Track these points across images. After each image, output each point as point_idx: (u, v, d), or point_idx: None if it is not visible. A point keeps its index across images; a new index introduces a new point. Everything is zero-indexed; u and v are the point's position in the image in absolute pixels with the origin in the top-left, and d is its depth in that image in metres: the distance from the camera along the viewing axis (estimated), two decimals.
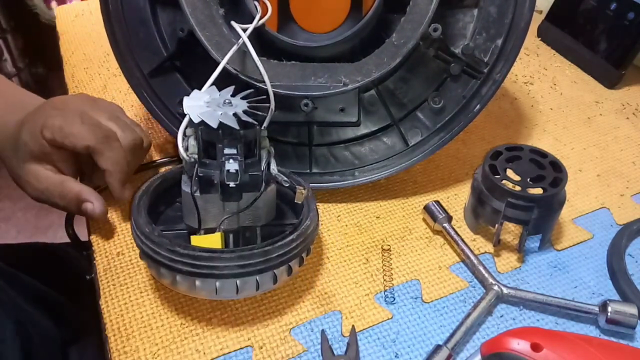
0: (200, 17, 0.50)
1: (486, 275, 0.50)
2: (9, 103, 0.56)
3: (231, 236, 0.48)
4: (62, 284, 0.69)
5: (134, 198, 0.47)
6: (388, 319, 0.48)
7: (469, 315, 0.46)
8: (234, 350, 0.45)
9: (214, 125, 0.42)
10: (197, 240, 0.44)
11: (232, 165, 0.43)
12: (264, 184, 0.45)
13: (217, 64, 0.48)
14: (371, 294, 0.49)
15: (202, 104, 0.44)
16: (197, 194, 0.45)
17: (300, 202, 0.47)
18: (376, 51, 0.51)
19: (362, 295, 0.49)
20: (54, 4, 1.65)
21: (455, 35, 0.55)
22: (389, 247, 0.54)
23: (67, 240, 0.57)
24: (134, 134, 0.54)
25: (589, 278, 0.52)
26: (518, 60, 0.57)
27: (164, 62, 0.57)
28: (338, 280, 0.51)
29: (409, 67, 0.57)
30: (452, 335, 0.45)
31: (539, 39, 0.88)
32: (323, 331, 0.46)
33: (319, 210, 0.52)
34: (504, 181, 0.50)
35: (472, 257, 0.51)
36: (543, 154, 0.53)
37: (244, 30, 0.48)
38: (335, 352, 0.45)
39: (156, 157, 0.63)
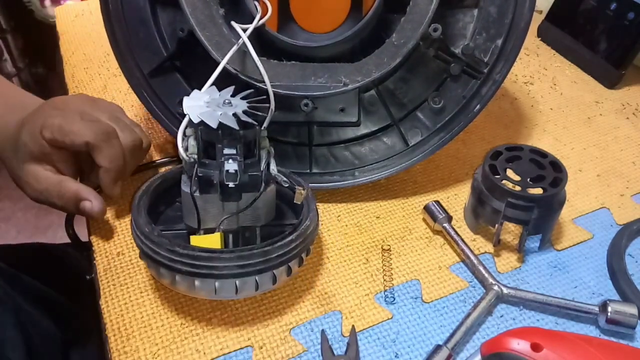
0: (200, 17, 0.50)
1: (486, 275, 0.50)
2: (9, 104, 0.56)
3: (231, 236, 0.48)
4: (62, 284, 0.69)
5: (134, 198, 0.47)
6: (388, 319, 0.48)
7: (469, 315, 0.46)
8: (234, 350, 0.45)
9: (214, 125, 0.42)
10: (196, 240, 0.44)
11: (231, 166, 0.43)
12: (263, 184, 0.45)
13: (217, 64, 0.48)
14: (371, 294, 0.49)
15: (202, 104, 0.44)
16: (197, 194, 0.45)
17: (299, 203, 0.47)
18: (376, 51, 0.51)
19: (362, 295, 0.49)
20: (47, 3, 1.65)
21: (455, 35, 0.55)
22: (389, 247, 0.54)
23: (67, 240, 0.57)
24: (134, 135, 0.54)
25: (589, 278, 0.52)
26: (518, 60, 0.57)
27: (164, 62, 0.57)
28: (338, 280, 0.51)
29: (409, 67, 0.57)
30: (452, 335, 0.45)
31: (539, 39, 0.88)
32: (323, 331, 0.46)
33: (319, 210, 0.52)
34: (504, 181, 0.50)
35: (472, 257, 0.51)
36: (543, 154, 0.53)
37: (244, 30, 0.48)
38: (335, 352, 0.45)
39: (156, 157, 0.63)
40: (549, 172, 0.51)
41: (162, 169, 0.61)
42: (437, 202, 0.56)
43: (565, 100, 0.75)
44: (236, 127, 0.42)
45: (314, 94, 0.52)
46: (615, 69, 0.76)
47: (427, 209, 0.55)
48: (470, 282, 0.51)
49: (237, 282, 0.43)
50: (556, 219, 0.53)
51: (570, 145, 0.68)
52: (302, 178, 0.50)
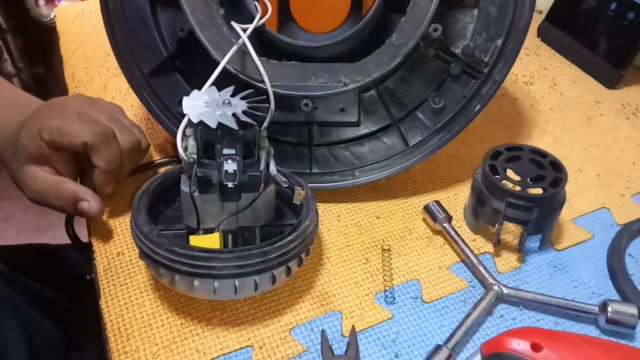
0: (200, 17, 0.50)
1: (486, 275, 0.50)
2: (9, 105, 0.56)
3: (230, 236, 0.48)
4: (63, 285, 0.69)
5: (134, 198, 0.47)
6: (388, 319, 0.48)
7: (469, 315, 0.46)
8: (234, 350, 0.45)
9: (213, 125, 0.42)
10: (195, 240, 0.44)
11: (230, 166, 0.43)
12: (262, 184, 0.45)
13: (217, 64, 0.48)
14: (371, 294, 0.49)
15: (202, 104, 0.44)
16: (196, 194, 0.45)
17: (298, 203, 0.47)
18: (376, 51, 0.51)
19: (362, 295, 0.49)
20: (41, 2, 1.65)
21: (455, 35, 0.55)
22: (389, 247, 0.54)
23: (67, 240, 0.57)
24: (133, 137, 0.54)
25: (589, 278, 0.52)
26: (518, 60, 0.57)
27: (164, 62, 0.57)
28: (338, 280, 0.51)
29: (409, 67, 0.57)
30: (452, 335, 0.45)
31: (539, 39, 0.88)
32: (323, 331, 0.46)
33: (319, 210, 0.52)
34: (504, 181, 0.50)
35: (472, 257, 0.51)
36: (543, 154, 0.53)
37: (244, 30, 0.48)
38: (335, 352, 0.45)
39: (156, 157, 0.63)
40: (549, 172, 0.51)
41: (162, 169, 0.61)
42: (437, 202, 0.55)
43: (565, 100, 0.75)
44: (235, 127, 0.42)
45: (314, 94, 0.52)
46: (615, 69, 0.76)
47: (427, 209, 0.55)
48: (470, 282, 0.51)
49: (236, 282, 0.43)
50: (556, 219, 0.53)
51: (570, 145, 0.68)
52: (302, 178, 0.50)
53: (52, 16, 1.64)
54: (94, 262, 0.52)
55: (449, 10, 0.55)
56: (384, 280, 0.51)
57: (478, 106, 0.55)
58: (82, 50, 0.81)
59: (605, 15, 0.76)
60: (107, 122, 0.52)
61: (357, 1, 0.57)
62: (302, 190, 0.46)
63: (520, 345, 0.41)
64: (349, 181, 0.58)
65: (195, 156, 0.45)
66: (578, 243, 0.55)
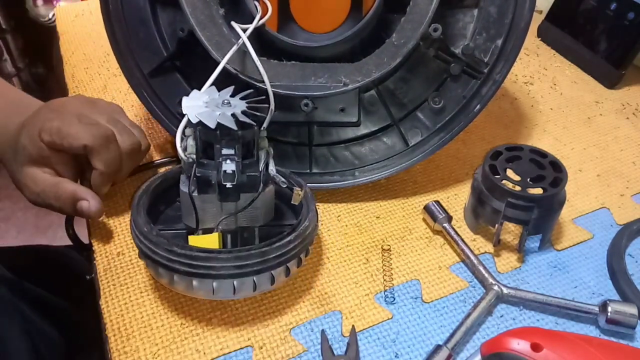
0: (200, 17, 0.50)
1: (486, 275, 0.50)
2: (9, 106, 0.56)
3: (229, 236, 0.48)
4: (64, 288, 0.69)
5: (134, 197, 0.47)
6: (388, 319, 0.48)
7: (469, 315, 0.46)
8: (234, 350, 0.45)
9: (212, 125, 0.42)
10: (194, 240, 0.44)
11: (229, 166, 0.43)
12: (262, 184, 0.45)
13: (217, 64, 0.48)
14: (371, 294, 0.49)
15: (201, 104, 0.44)
16: (195, 194, 0.45)
17: (297, 204, 0.47)
18: (376, 51, 0.51)
19: (362, 295, 0.49)
20: (39, 2, 1.65)
21: (455, 35, 0.55)
22: (389, 247, 0.54)
23: (67, 240, 0.57)
24: (133, 138, 0.54)
25: (589, 278, 0.52)
26: (518, 60, 0.57)
27: (164, 62, 0.57)
28: (338, 280, 0.51)
29: (409, 67, 0.57)
30: (452, 335, 0.45)
31: (539, 39, 0.88)
32: (323, 331, 0.46)
33: (318, 210, 0.52)
34: (504, 181, 0.50)
35: (472, 257, 0.51)
36: (543, 154, 0.53)
37: (244, 30, 0.48)
38: (335, 352, 0.45)
39: (156, 157, 0.63)
40: (549, 172, 0.51)
41: (162, 169, 0.61)
42: (437, 202, 0.55)
43: (565, 100, 0.75)
44: (234, 127, 0.42)
45: (314, 94, 0.52)
46: (615, 69, 0.76)
47: (427, 209, 0.55)
48: (470, 282, 0.51)
49: (234, 282, 0.43)
50: (556, 219, 0.53)
51: (570, 145, 0.68)
52: (302, 178, 0.50)
53: (50, 16, 1.63)
54: (94, 262, 0.52)
55: (449, 10, 0.55)
56: (384, 280, 0.51)
57: (478, 106, 0.55)
58: (82, 50, 0.81)
59: (605, 15, 0.76)
60: (107, 124, 0.52)
61: (357, 1, 0.57)
62: (301, 190, 0.46)
63: (520, 345, 0.41)
64: (349, 181, 0.58)
65: (194, 156, 0.45)
66: (578, 243, 0.55)
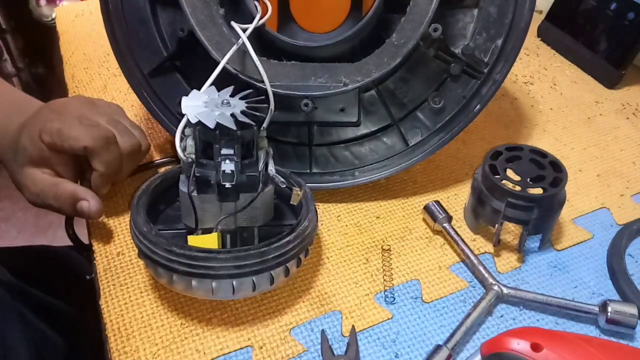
0: (200, 17, 0.50)
1: (486, 275, 0.50)
2: (9, 107, 0.56)
3: (228, 236, 0.48)
4: (64, 288, 0.69)
5: (134, 197, 0.47)
6: (388, 319, 0.48)
7: (469, 315, 0.46)
8: (234, 350, 0.45)
9: (211, 125, 0.42)
10: (194, 240, 0.44)
11: (228, 166, 0.43)
12: (261, 184, 0.45)
13: (217, 63, 0.48)
14: (371, 294, 0.49)
15: (201, 104, 0.44)
16: (194, 194, 0.45)
17: (295, 204, 0.47)
18: (376, 51, 0.51)
19: (362, 295, 0.49)
20: (42, 2, 1.65)
21: (455, 35, 0.55)
22: (389, 247, 0.54)
23: (67, 240, 0.57)
24: (133, 140, 0.54)
25: (589, 278, 0.52)
26: (518, 60, 0.57)
27: (164, 62, 0.57)
28: (338, 280, 0.51)
29: (409, 67, 0.57)
30: (452, 335, 0.45)
31: (539, 39, 0.88)
32: (323, 331, 0.46)
33: (318, 210, 0.52)
34: (504, 181, 0.50)
35: (472, 257, 0.51)
36: (543, 154, 0.53)
37: (244, 30, 0.48)
38: (335, 352, 0.45)
39: (156, 157, 0.63)
40: (549, 172, 0.51)
41: (162, 169, 0.61)
42: (437, 202, 0.55)
43: (565, 100, 0.75)
44: (233, 127, 0.42)
45: (314, 94, 0.52)
46: (615, 69, 0.76)
47: (427, 209, 0.55)
48: (470, 282, 0.51)
49: (234, 282, 0.43)
50: (556, 219, 0.53)
51: (570, 145, 0.68)
52: (302, 178, 0.50)
53: (53, 16, 1.64)
54: (94, 262, 0.52)
55: (449, 10, 0.55)
56: (384, 280, 0.51)
57: (478, 106, 0.55)
58: (82, 50, 0.81)
59: (605, 15, 0.76)
60: (107, 125, 0.52)
61: (357, 1, 0.57)
62: (300, 190, 0.46)
63: (520, 345, 0.41)
64: (349, 181, 0.58)
65: (193, 156, 0.45)
66: (578, 243, 0.55)
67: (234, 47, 0.48)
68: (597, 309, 0.47)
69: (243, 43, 0.48)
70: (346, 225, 0.56)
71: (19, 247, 0.76)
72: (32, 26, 1.71)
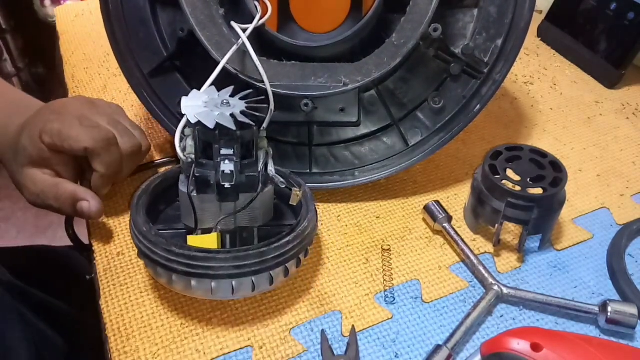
0: (200, 17, 0.50)
1: (486, 275, 0.50)
2: (9, 107, 0.56)
3: (228, 237, 0.48)
4: (64, 288, 0.69)
5: (134, 197, 0.47)
6: (388, 319, 0.48)
7: (469, 315, 0.46)
8: (234, 350, 0.45)
9: (211, 125, 0.42)
10: (193, 240, 0.44)
11: (227, 166, 0.43)
12: (261, 185, 0.45)
13: (217, 63, 0.48)
14: (371, 294, 0.49)
15: (200, 104, 0.44)
16: (194, 194, 0.45)
17: (295, 204, 0.47)
18: (376, 51, 0.51)
19: (362, 295, 0.49)
20: (47, 2, 1.65)
21: (455, 35, 0.55)
22: (389, 247, 0.54)
23: (67, 240, 0.57)
24: (133, 140, 0.54)
25: (589, 278, 0.52)
26: (518, 60, 0.57)
27: (164, 62, 0.57)
28: (338, 280, 0.51)
29: (409, 67, 0.57)
30: (452, 335, 0.45)
31: (539, 39, 0.88)
32: (323, 331, 0.46)
33: (318, 210, 0.52)
34: (504, 181, 0.50)
35: (472, 257, 0.51)
36: (543, 154, 0.53)
37: (244, 30, 0.48)
38: (335, 352, 0.45)
39: (156, 157, 0.63)
40: (549, 172, 0.51)
41: (162, 169, 0.61)
42: (437, 202, 0.55)
43: (565, 100, 0.75)
44: (233, 127, 0.42)
45: (314, 94, 0.52)
46: (615, 69, 0.76)
47: (427, 209, 0.55)
48: (470, 282, 0.51)
49: (233, 282, 0.43)
50: (556, 219, 0.53)
51: (570, 145, 0.68)
52: (302, 178, 0.50)
53: None
54: (94, 262, 0.52)
55: (449, 10, 0.55)
56: (384, 280, 0.51)
57: (478, 106, 0.55)
58: (82, 50, 0.81)
59: (605, 15, 0.76)
60: (108, 126, 0.52)
61: (357, 1, 0.57)
62: (299, 190, 0.46)
63: (520, 345, 0.41)
64: (349, 181, 0.58)
65: (193, 156, 0.45)
66: (578, 243, 0.55)
67: (234, 47, 0.48)
68: (597, 309, 0.47)
69: (243, 43, 0.48)
70: (346, 225, 0.56)
71: (19, 247, 0.76)
72: (32, 26, 1.71)
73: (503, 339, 0.42)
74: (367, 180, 0.57)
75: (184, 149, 0.45)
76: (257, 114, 0.45)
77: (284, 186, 0.45)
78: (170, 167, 0.61)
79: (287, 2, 0.57)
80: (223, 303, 0.48)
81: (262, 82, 0.49)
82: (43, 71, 1.89)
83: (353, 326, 0.46)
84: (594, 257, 0.54)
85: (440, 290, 0.50)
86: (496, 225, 0.51)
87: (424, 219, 0.57)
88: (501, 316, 0.48)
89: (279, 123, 0.57)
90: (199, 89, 0.46)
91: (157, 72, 0.57)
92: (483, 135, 0.68)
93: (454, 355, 0.44)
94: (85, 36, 0.84)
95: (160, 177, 0.50)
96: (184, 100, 0.44)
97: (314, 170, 0.58)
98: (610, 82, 0.77)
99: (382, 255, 0.53)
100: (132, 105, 0.70)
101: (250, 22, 0.49)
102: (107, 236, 0.54)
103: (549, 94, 0.76)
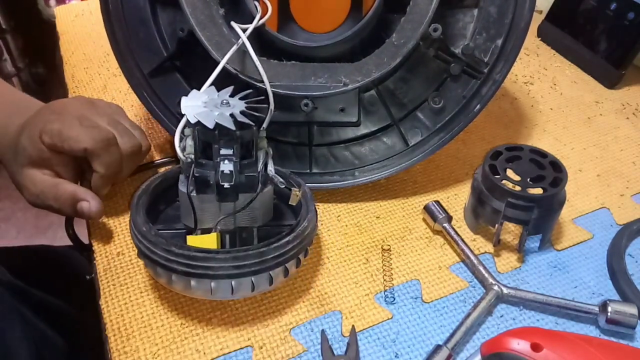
0: (200, 17, 0.50)
1: (486, 275, 0.50)
2: (9, 107, 0.56)
3: (227, 237, 0.48)
4: (64, 288, 0.69)
5: (134, 197, 0.47)
6: (388, 319, 0.48)
7: (469, 315, 0.46)
8: (234, 350, 0.45)
9: (210, 125, 0.42)
10: (193, 240, 0.44)
11: (226, 166, 0.43)
12: (260, 185, 0.45)
13: (217, 63, 0.48)
14: (371, 294, 0.49)
15: (200, 104, 0.44)
16: (193, 194, 0.45)
17: (294, 204, 0.47)
18: (376, 51, 0.51)
19: (362, 295, 0.49)
20: (52, 2, 1.65)
21: (455, 35, 0.55)
22: (389, 247, 0.54)
23: (67, 240, 0.57)
24: (133, 140, 0.53)
25: (589, 278, 0.52)
26: (518, 60, 0.57)
27: (164, 62, 0.57)
28: (338, 280, 0.51)
29: (409, 67, 0.57)
30: (452, 335, 0.45)
31: (539, 39, 0.88)
32: (323, 331, 0.46)
33: (318, 210, 0.52)
34: (504, 181, 0.50)
35: (472, 257, 0.51)
36: (543, 154, 0.53)
37: (244, 30, 0.48)
38: (335, 352, 0.45)
39: (156, 157, 0.63)
40: (549, 172, 0.51)
41: (162, 169, 0.61)
42: (437, 202, 0.55)
43: (565, 100, 0.75)
44: (232, 127, 0.42)
45: (314, 94, 0.52)
46: (615, 69, 0.76)
47: (427, 209, 0.55)
48: (470, 282, 0.51)
49: (232, 282, 0.43)
50: (556, 219, 0.53)
51: (570, 145, 0.68)
52: (302, 178, 0.50)
53: None
54: (94, 262, 0.52)
55: (449, 10, 0.55)
56: (384, 280, 0.51)
57: (478, 106, 0.55)
58: (82, 50, 0.81)
59: (605, 15, 0.76)
60: (107, 127, 0.52)
61: (357, 1, 0.57)
62: (298, 191, 0.46)
63: (520, 345, 0.41)
64: (349, 181, 0.58)
65: (193, 156, 0.45)
66: (578, 243, 0.55)
67: (234, 47, 0.48)
68: (597, 309, 0.47)
69: (243, 43, 0.48)
70: (346, 225, 0.56)
71: (19, 247, 0.76)
72: (32, 26, 1.71)
73: (503, 339, 0.42)
74: (367, 180, 0.57)
75: (183, 149, 0.45)
76: (257, 114, 0.45)
77: (283, 186, 0.45)
78: (170, 167, 0.61)
79: (287, 2, 0.57)
80: (223, 303, 0.48)
81: (262, 82, 0.49)
82: (43, 71, 1.89)
83: (353, 326, 0.46)
84: (594, 257, 0.54)
85: (440, 290, 0.50)
86: (496, 225, 0.51)
87: (424, 219, 0.57)
88: (501, 316, 0.48)
89: (279, 123, 0.57)
90: (199, 89, 0.46)
91: (157, 72, 0.57)
92: (483, 135, 0.68)
93: (454, 355, 0.44)
94: (85, 36, 0.84)
95: (160, 177, 0.50)
96: (183, 100, 0.44)
97: (314, 170, 0.58)
98: (610, 82, 0.77)
99: (382, 255, 0.53)
100: (132, 105, 0.70)
101: (250, 22, 0.49)
102: (107, 236, 0.54)
103: (549, 94, 0.76)
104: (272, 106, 0.47)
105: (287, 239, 0.44)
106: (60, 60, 0.81)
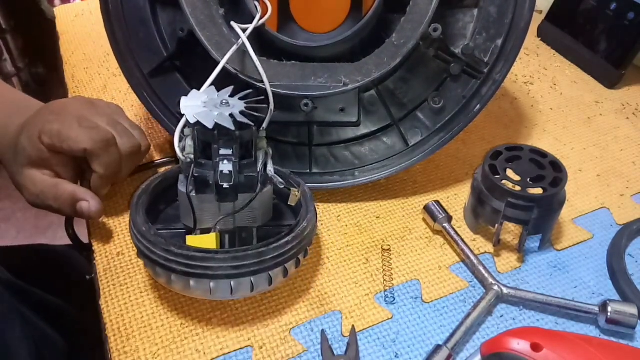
0: (200, 17, 0.50)
1: (486, 275, 0.50)
2: (9, 107, 0.56)
3: (227, 237, 0.48)
4: (64, 288, 0.69)
5: (134, 197, 0.47)
6: (388, 319, 0.48)
7: (469, 315, 0.46)
8: (234, 350, 0.45)
9: (210, 125, 0.42)
10: (192, 240, 0.44)
11: (226, 167, 0.43)
12: (260, 185, 0.45)
13: (217, 63, 0.48)
14: (371, 294, 0.49)
15: (200, 104, 0.44)
16: (193, 194, 0.45)
17: (293, 204, 0.47)
18: (376, 51, 0.51)
19: (362, 295, 0.49)
20: (57, 2, 1.65)
21: (455, 35, 0.55)
22: (389, 247, 0.54)
23: (67, 240, 0.57)
24: (133, 141, 0.53)
25: (589, 278, 0.52)
26: (518, 60, 0.57)
27: (164, 62, 0.57)
28: (338, 280, 0.51)
29: (409, 67, 0.57)
30: (452, 335, 0.45)
31: (539, 39, 0.88)
32: (323, 331, 0.46)
33: (318, 210, 0.52)
34: (504, 181, 0.50)
35: (472, 257, 0.51)
36: (543, 154, 0.53)
37: (244, 30, 0.48)
38: (335, 352, 0.45)
39: (156, 157, 0.63)
40: (549, 172, 0.51)
41: (162, 169, 0.61)
42: (437, 202, 0.55)
43: (565, 100, 0.75)
44: (232, 127, 0.42)
45: (314, 94, 0.52)
46: (615, 69, 0.76)
47: (427, 209, 0.55)
48: (470, 282, 0.51)
49: (232, 282, 0.43)
50: (556, 219, 0.53)
51: (570, 145, 0.68)
52: (302, 178, 0.50)
53: None
54: (94, 262, 0.52)
55: (449, 10, 0.55)
56: (384, 280, 0.51)
57: (478, 106, 0.55)
58: (82, 50, 0.81)
59: (605, 15, 0.76)
60: (107, 127, 0.52)
61: (357, 1, 0.57)
62: (298, 191, 0.46)
63: (520, 345, 0.41)
64: (349, 181, 0.58)
65: (192, 156, 0.45)
66: (578, 243, 0.55)
67: (234, 47, 0.48)
68: (597, 309, 0.47)
69: (243, 43, 0.48)
70: (346, 225, 0.56)
71: (19, 247, 0.76)
72: (32, 26, 1.71)
73: (503, 339, 0.42)
74: (367, 180, 0.57)
75: (183, 149, 0.45)
76: (257, 114, 0.45)
77: (283, 186, 0.45)
78: (170, 167, 0.61)
79: (287, 2, 0.57)
80: (223, 303, 0.48)
81: (262, 82, 0.49)
82: (43, 71, 1.89)
83: (353, 326, 0.46)
84: (594, 257, 0.54)
85: (440, 290, 0.50)
86: (496, 225, 0.51)
87: (424, 219, 0.57)
88: (501, 316, 0.48)
89: (278, 123, 0.57)
90: (198, 89, 0.46)
91: (157, 72, 0.57)
92: (483, 135, 0.68)
93: (454, 355, 0.44)
94: (85, 36, 0.84)
95: (160, 177, 0.50)
96: (183, 100, 0.44)
97: (314, 170, 0.58)
98: (610, 82, 0.77)
99: (382, 255, 0.53)
100: (132, 105, 0.70)
101: (250, 22, 0.49)
102: (107, 236, 0.54)
103: (549, 94, 0.76)
104: (272, 106, 0.47)
105: (286, 239, 0.44)
106: (60, 60, 0.81)
